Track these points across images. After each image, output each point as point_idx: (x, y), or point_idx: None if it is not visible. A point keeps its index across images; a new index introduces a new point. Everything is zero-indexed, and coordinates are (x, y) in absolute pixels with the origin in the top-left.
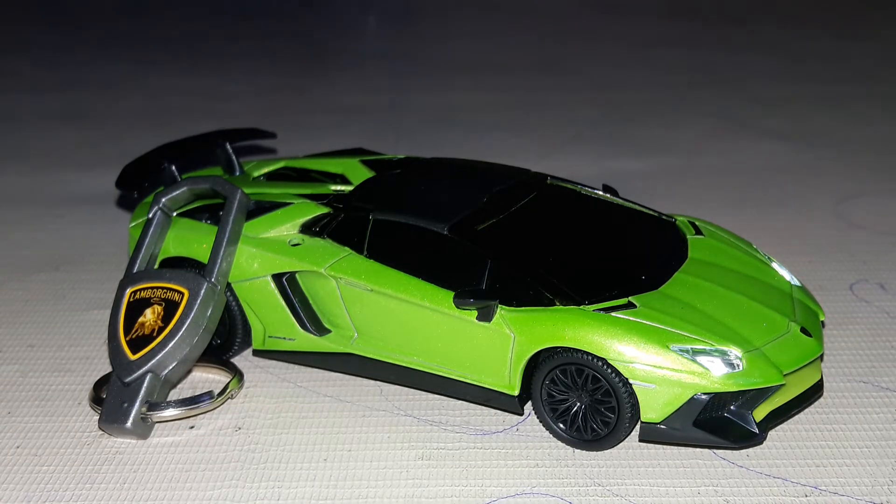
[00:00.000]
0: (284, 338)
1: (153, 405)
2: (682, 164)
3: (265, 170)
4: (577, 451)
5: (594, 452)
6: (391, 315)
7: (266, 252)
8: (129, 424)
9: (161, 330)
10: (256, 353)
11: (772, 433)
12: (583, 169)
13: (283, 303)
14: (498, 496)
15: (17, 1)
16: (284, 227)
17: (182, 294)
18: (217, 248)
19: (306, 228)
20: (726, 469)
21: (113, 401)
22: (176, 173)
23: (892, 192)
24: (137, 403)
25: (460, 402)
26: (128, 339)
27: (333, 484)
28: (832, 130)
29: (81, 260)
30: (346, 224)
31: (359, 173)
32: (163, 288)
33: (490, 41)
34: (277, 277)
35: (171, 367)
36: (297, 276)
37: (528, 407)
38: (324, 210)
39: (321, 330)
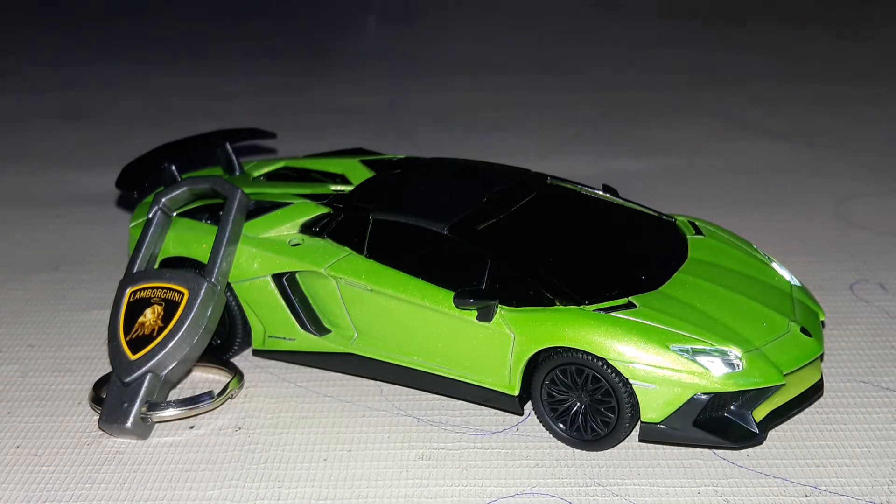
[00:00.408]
0: (284, 338)
1: (153, 405)
2: (682, 164)
3: (265, 170)
4: (577, 451)
5: (594, 452)
6: (391, 315)
7: (266, 252)
8: (129, 424)
9: (161, 330)
10: (256, 353)
11: (772, 433)
12: (583, 169)
13: (283, 303)
14: (498, 496)
15: (17, 1)
16: (284, 227)
17: (182, 294)
18: (217, 248)
19: (306, 228)
20: (726, 469)
21: (113, 401)
22: (176, 173)
23: (892, 192)
24: (137, 403)
25: (460, 402)
26: (128, 339)
27: (333, 484)
28: (832, 130)
29: (81, 260)
30: (346, 224)
31: (359, 173)
32: (163, 288)
33: (490, 41)
34: (277, 277)
35: (171, 367)
36: (297, 276)
37: (528, 407)
38: (324, 210)
39: (321, 330)
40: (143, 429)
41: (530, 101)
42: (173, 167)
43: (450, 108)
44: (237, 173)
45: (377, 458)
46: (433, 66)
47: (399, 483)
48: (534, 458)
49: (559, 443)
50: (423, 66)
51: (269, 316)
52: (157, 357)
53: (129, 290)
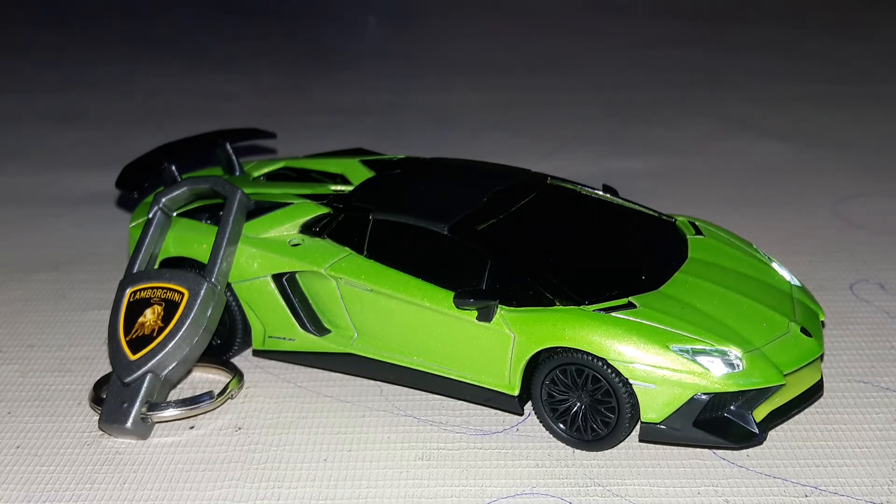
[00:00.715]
0: (284, 338)
1: (153, 405)
2: (682, 164)
3: (265, 170)
4: (577, 451)
5: (594, 452)
6: (391, 315)
7: (266, 252)
8: (128, 424)
9: (161, 330)
10: (256, 353)
11: (772, 433)
12: (583, 169)
13: (283, 303)
14: (498, 496)
15: (17, 1)
16: (284, 227)
17: (182, 294)
18: (217, 248)
19: (306, 228)
20: (726, 469)
21: (113, 401)
22: (176, 173)
23: (892, 192)
24: (137, 403)
25: (460, 402)
26: (128, 339)
27: (333, 484)
28: (832, 130)
29: (81, 260)
30: (346, 224)
31: (359, 173)
32: (163, 288)
33: (490, 41)
34: (277, 277)
35: (171, 368)
36: (297, 276)
37: (528, 407)
38: (324, 210)
39: (321, 330)
40: (143, 429)
41: (530, 101)
42: (173, 167)
43: (450, 108)
44: (237, 173)
45: (377, 458)
46: (433, 66)
47: (399, 483)
48: (534, 458)
49: (559, 443)
50: (423, 66)
51: (269, 316)
52: (157, 357)
53: (129, 291)
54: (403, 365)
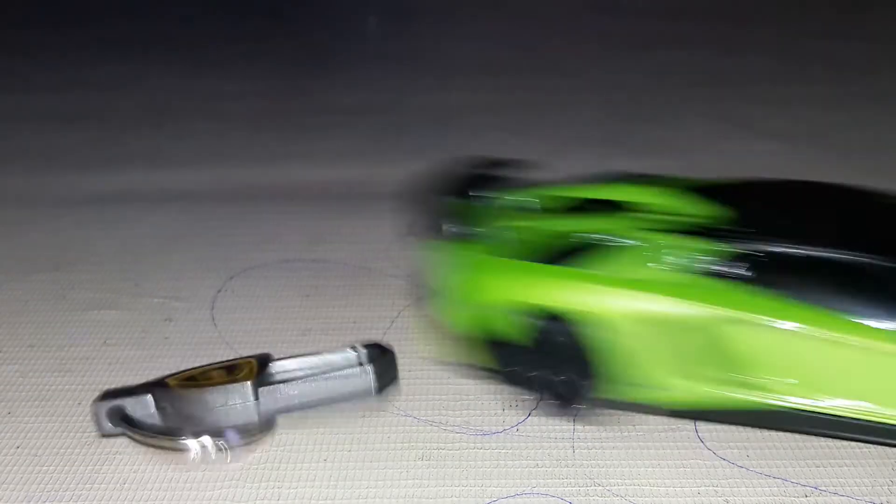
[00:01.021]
0: (663, 388)
1: (130, 419)
2: (682, 164)
3: (520, 200)
4: (577, 450)
5: (595, 452)
6: (841, 363)
7: (646, 292)
8: (101, 416)
9: (197, 383)
10: (606, 403)
11: (772, 433)
12: (583, 169)
13: (670, 348)
14: (498, 496)
15: (17, 1)
16: (649, 265)
17: (245, 385)
18: (303, 390)
19: (690, 266)
20: (726, 469)
21: (109, 402)
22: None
23: (892, 192)
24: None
25: (460, 401)
26: (196, 370)
27: (333, 484)
28: (832, 130)
29: (81, 260)
30: (752, 261)
31: (660, 200)
32: (246, 357)
33: (490, 41)
34: (659, 317)
35: (162, 413)
36: (682, 317)
37: (528, 407)
38: (705, 245)
39: (721, 381)
40: (106, 426)
41: (530, 101)
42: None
43: (450, 108)
44: (494, 206)
45: (377, 458)
46: (433, 66)
47: (399, 483)
48: (534, 458)
49: (559, 443)
50: (423, 66)
51: (647, 362)
52: (167, 398)
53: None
54: (866, 420)
